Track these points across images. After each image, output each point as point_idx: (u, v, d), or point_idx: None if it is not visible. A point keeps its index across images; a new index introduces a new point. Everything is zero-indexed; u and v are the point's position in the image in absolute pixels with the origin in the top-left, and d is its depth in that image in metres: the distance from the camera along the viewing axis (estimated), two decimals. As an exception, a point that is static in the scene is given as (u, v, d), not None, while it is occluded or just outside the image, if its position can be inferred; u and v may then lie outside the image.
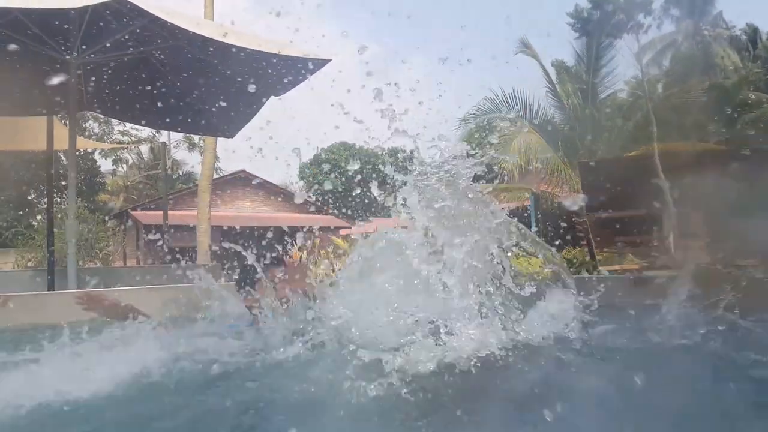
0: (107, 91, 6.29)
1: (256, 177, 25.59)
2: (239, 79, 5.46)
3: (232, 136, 6.82)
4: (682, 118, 13.68)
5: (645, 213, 7.64)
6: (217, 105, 6.10)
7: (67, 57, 5.30)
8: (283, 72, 5.27)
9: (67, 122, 6.53)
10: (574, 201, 2.36)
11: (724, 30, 20.27)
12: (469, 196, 2.21)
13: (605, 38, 13.64)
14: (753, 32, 20.55)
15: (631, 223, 6.79)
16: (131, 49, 5.45)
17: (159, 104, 6.06)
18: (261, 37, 5.08)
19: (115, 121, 26.21)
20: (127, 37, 5.25)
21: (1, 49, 5.02)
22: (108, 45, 5.35)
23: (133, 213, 22.46)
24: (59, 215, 11.55)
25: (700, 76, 15.64)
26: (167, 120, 7.00)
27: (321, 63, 5.09)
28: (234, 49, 4.61)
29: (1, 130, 7.33)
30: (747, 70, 18.25)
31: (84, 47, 5.31)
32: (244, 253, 2.50)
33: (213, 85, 5.88)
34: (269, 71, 5.13)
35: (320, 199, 34.64)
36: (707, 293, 2.59)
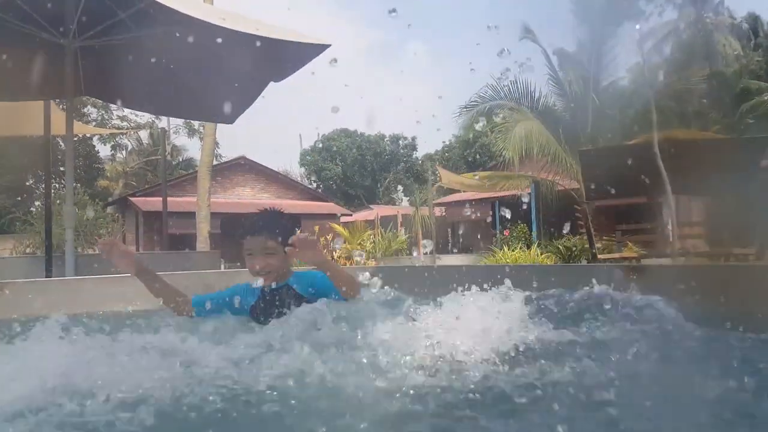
0: (105, 75, 6.23)
1: (256, 163, 25.51)
2: (238, 64, 5.40)
3: (231, 122, 6.77)
4: (682, 106, 13.63)
5: (644, 201, 7.65)
6: (215, 90, 6.04)
7: (63, 41, 5.25)
8: (282, 57, 5.21)
9: (65, 107, 6.48)
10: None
11: (726, 18, 20.19)
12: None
13: (607, 25, 13.55)
14: (754, 21, 20.49)
15: (630, 211, 6.80)
16: (128, 32, 5.39)
17: (157, 89, 6.00)
18: (259, 22, 5.02)
19: (113, 107, 26.11)
20: (124, 20, 5.19)
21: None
22: (105, 28, 5.29)
23: (133, 199, 22.44)
24: (57, 201, 11.53)
25: (702, 64, 15.58)
26: (166, 105, 6.94)
27: (320, 48, 5.03)
28: (232, 34, 4.56)
29: (-1, 115, 7.29)
30: (747, 58, 18.21)
31: (80, 30, 5.25)
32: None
33: (211, 70, 5.82)
34: (268, 56, 5.08)
35: (321, 185, 34.54)
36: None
